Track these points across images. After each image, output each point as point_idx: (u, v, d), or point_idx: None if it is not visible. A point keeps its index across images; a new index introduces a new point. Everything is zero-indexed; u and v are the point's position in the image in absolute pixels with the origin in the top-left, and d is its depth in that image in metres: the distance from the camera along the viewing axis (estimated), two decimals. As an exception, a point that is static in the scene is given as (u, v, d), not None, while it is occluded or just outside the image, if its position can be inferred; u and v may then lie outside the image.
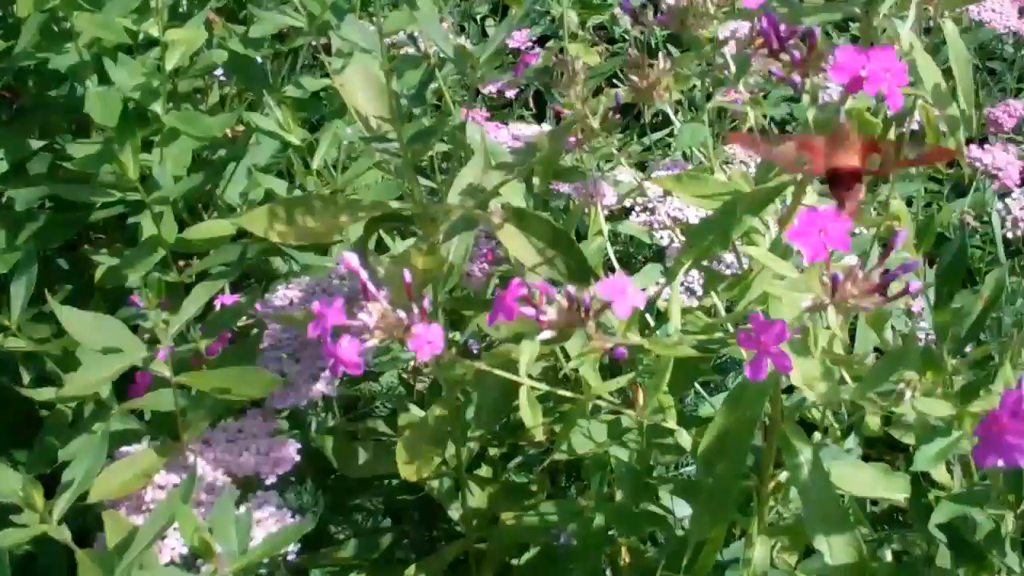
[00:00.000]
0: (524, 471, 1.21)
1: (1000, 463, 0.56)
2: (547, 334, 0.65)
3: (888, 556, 1.06)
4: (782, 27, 0.70)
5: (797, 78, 0.65)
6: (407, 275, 0.75)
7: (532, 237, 0.91)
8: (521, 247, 0.90)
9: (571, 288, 0.64)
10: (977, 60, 1.63)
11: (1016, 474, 0.86)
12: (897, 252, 0.91)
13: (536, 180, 1.12)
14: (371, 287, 0.74)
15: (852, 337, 0.96)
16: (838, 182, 0.63)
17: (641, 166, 1.32)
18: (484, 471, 1.18)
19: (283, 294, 1.01)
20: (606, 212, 1.12)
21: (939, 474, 0.82)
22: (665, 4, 0.77)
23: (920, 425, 0.74)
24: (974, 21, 1.38)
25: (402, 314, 0.73)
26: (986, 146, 1.00)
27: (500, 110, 1.63)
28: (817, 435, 1.01)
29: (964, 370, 0.86)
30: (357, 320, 0.72)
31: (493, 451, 1.21)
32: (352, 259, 0.75)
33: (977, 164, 0.98)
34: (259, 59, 1.18)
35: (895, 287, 0.63)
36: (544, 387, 0.82)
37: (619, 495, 1.02)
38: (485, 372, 0.82)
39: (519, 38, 1.58)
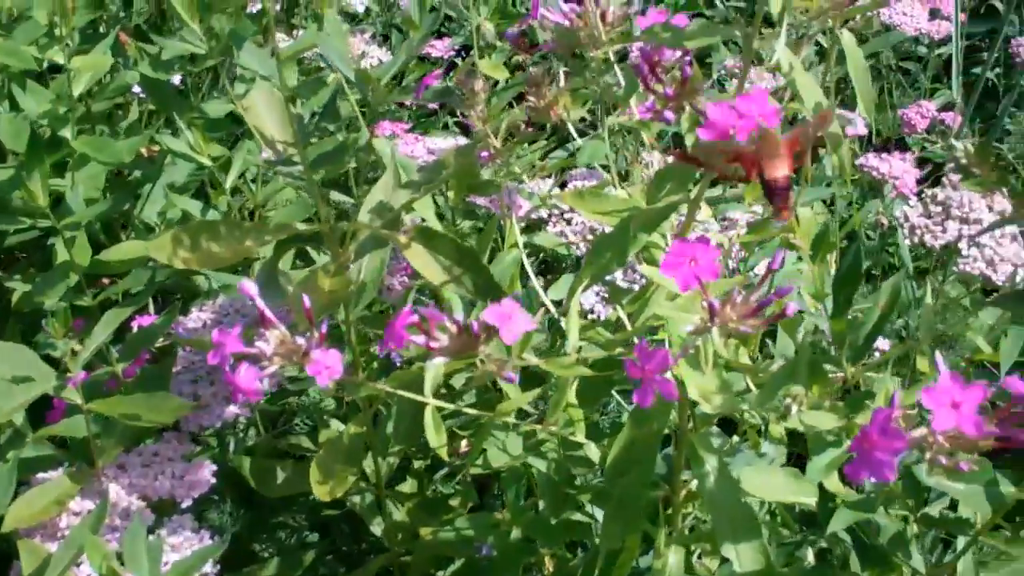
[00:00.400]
0: (450, 482, 1.21)
1: (872, 479, 0.57)
2: (439, 360, 0.66)
3: (810, 556, 1.08)
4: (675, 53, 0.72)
5: (669, 114, 0.66)
6: (306, 300, 0.76)
7: (439, 255, 0.92)
8: (428, 266, 0.91)
9: (458, 316, 0.65)
10: (892, 61, 1.65)
11: (914, 479, 0.88)
12: (795, 264, 0.94)
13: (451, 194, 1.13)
14: (268, 314, 0.75)
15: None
16: (773, 191, 0.64)
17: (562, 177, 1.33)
18: (408, 484, 1.19)
19: (196, 316, 1.01)
20: (524, 224, 1.13)
21: (831, 483, 0.84)
22: (548, 31, 0.77)
23: (812, 437, 0.76)
24: (885, 24, 1.40)
25: (300, 340, 0.74)
26: (883, 155, 1.01)
27: (426, 119, 1.64)
28: (736, 438, 1.02)
29: (862, 377, 0.88)
30: (254, 348, 0.73)
31: (417, 463, 1.22)
32: (250, 287, 0.76)
33: (874, 173, 0.99)
34: (175, 79, 1.18)
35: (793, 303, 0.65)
36: (449, 406, 0.83)
37: (541, 505, 1.03)
38: (398, 388, 0.82)
39: (441, 47, 1.59)
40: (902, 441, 0.55)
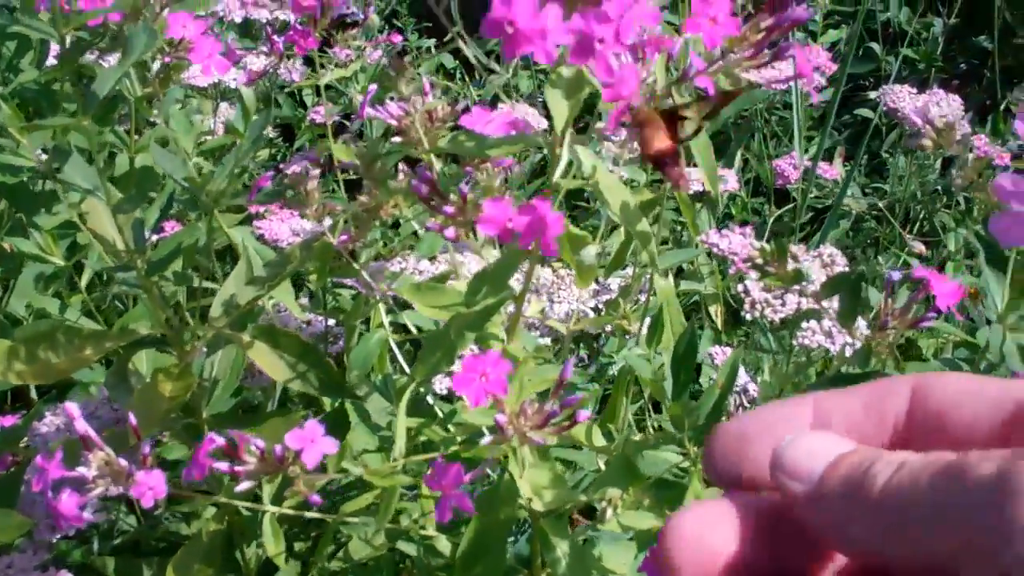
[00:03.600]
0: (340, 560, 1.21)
1: None
2: (246, 484, 0.66)
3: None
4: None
5: (450, 232, 0.67)
6: (132, 418, 0.76)
7: (283, 353, 0.92)
8: (272, 364, 0.91)
9: (259, 441, 0.65)
10: (764, 115, 1.67)
11: None
12: (606, 357, 0.94)
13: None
14: (92, 435, 0.75)
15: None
16: (661, 164, 0.64)
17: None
18: (289, 567, 1.18)
19: (50, 420, 1.00)
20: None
21: None
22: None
23: (636, 536, 0.77)
24: (751, 82, 1.42)
25: (123, 462, 0.74)
26: (723, 231, 1.03)
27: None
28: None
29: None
30: (76, 473, 0.73)
31: (299, 545, 1.21)
32: (72, 409, 0.75)
33: (715, 249, 1.01)
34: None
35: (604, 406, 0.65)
36: (288, 511, 0.83)
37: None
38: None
39: (320, 112, 1.59)
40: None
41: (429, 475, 0.63)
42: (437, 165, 0.83)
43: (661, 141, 0.64)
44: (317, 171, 0.91)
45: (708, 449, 0.32)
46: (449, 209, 0.66)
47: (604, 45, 0.57)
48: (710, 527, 0.29)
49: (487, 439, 0.64)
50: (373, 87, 0.88)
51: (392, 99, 0.85)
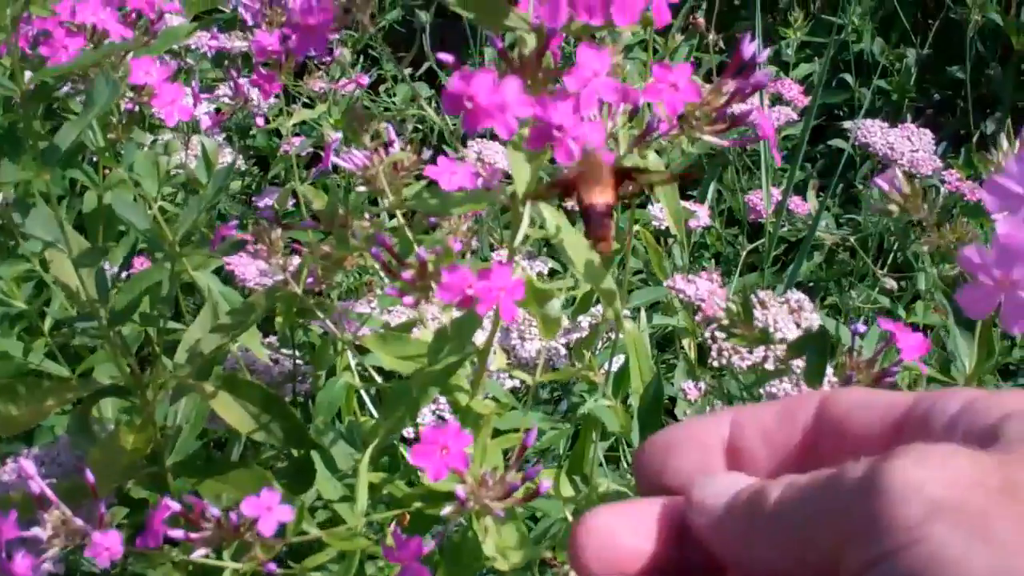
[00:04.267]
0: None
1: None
2: (200, 552, 0.66)
3: None
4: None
5: (409, 300, 0.66)
6: (89, 475, 0.75)
7: (246, 403, 0.91)
8: (236, 415, 0.91)
9: (214, 509, 0.64)
10: (736, 149, 1.67)
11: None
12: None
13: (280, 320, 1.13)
14: (48, 494, 0.74)
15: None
16: (591, 218, 0.62)
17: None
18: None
19: (11, 468, 0.99)
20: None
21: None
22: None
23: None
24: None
25: (79, 521, 0.73)
26: (690, 276, 1.03)
27: (288, 215, 1.63)
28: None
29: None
30: (31, 534, 0.72)
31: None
32: (27, 467, 0.74)
33: (681, 295, 1.00)
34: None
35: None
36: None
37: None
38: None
39: (294, 143, 1.59)
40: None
41: (388, 549, 0.62)
42: (401, 219, 0.82)
43: (600, 195, 0.62)
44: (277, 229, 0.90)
45: (636, 459, 0.34)
46: (407, 275, 0.65)
47: (563, 132, 0.57)
48: (620, 525, 0.31)
49: (448, 509, 0.63)
50: (337, 135, 0.88)
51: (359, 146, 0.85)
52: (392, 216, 0.85)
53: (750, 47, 0.64)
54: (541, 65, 0.60)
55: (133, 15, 0.98)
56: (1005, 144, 0.72)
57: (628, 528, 0.31)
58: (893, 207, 0.64)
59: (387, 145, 0.84)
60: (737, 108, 0.70)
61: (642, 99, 0.63)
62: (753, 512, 0.29)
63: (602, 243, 0.62)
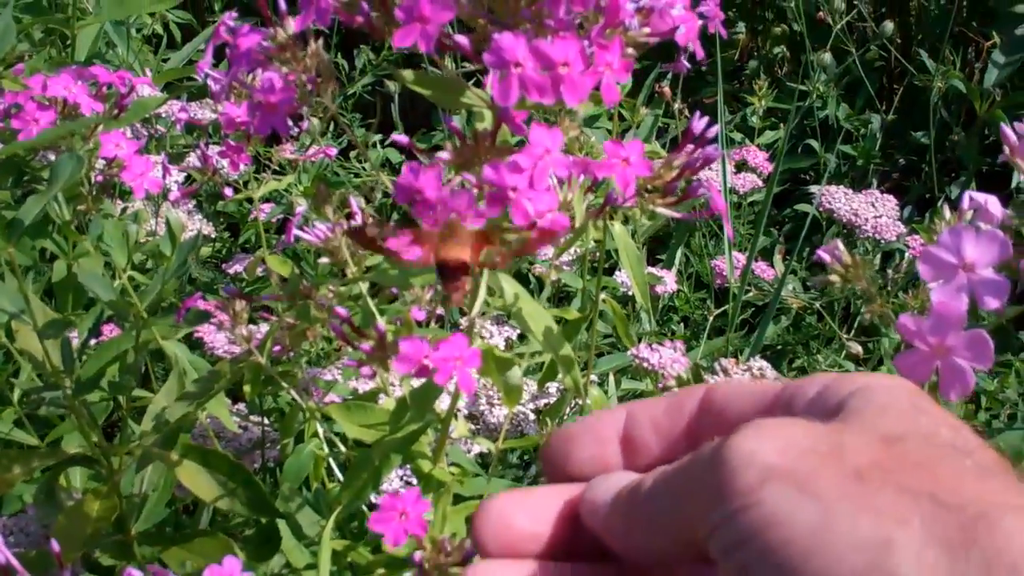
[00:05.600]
0: None
1: None
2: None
3: None
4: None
5: (366, 370, 0.68)
6: (54, 544, 0.75)
7: (213, 472, 0.92)
8: (202, 483, 0.91)
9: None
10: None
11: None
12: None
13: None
14: (15, 563, 0.74)
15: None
16: (445, 273, 0.61)
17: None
18: None
19: (-22, 537, 0.99)
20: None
21: None
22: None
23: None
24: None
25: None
26: (654, 345, 1.04)
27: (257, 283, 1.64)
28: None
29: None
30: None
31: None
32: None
33: (645, 364, 1.02)
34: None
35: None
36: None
37: None
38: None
39: (264, 211, 1.60)
40: None
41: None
42: (364, 289, 0.84)
43: (460, 252, 0.61)
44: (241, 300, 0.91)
45: (542, 451, 0.36)
46: (366, 347, 0.67)
47: (518, 193, 0.59)
48: (517, 510, 0.34)
49: (407, 575, 0.64)
50: (302, 208, 0.89)
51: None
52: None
53: (700, 122, 0.67)
54: (496, 142, 0.61)
55: (104, 88, 1.00)
56: (948, 214, 0.74)
57: (524, 513, 0.33)
58: (835, 277, 0.66)
59: (350, 216, 0.85)
60: (702, 175, 0.72)
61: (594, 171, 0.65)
62: (631, 502, 0.31)
63: (454, 296, 0.62)
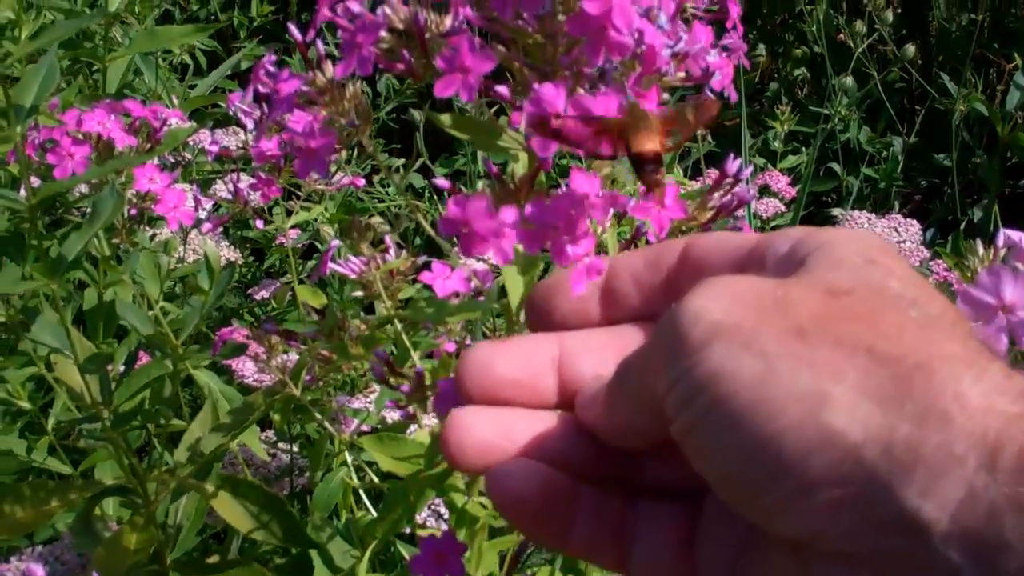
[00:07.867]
0: None
1: None
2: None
3: None
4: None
5: (406, 411, 0.68)
6: (95, 578, 0.77)
7: (246, 503, 0.93)
8: (236, 514, 0.92)
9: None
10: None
11: None
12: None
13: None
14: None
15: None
16: (641, 165, 0.61)
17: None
18: None
19: (15, 566, 1.00)
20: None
21: None
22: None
23: None
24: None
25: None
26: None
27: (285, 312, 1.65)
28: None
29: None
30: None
31: None
32: (36, 571, 0.76)
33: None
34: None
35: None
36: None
37: None
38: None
39: (290, 237, 1.62)
40: None
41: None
42: (398, 322, 0.84)
43: (650, 143, 0.61)
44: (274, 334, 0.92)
45: (528, 301, 0.37)
46: (405, 387, 0.68)
47: (558, 232, 0.59)
48: (498, 358, 0.34)
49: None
50: (336, 242, 0.90)
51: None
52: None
53: (734, 164, 0.67)
54: (533, 186, 0.62)
55: (136, 123, 1.02)
56: (980, 250, 0.74)
57: (505, 360, 0.34)
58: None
59: (385, 250, 0.86)
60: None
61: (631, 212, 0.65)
62: (615, 386, 0.32)
63: (656, 188, 0.62)
